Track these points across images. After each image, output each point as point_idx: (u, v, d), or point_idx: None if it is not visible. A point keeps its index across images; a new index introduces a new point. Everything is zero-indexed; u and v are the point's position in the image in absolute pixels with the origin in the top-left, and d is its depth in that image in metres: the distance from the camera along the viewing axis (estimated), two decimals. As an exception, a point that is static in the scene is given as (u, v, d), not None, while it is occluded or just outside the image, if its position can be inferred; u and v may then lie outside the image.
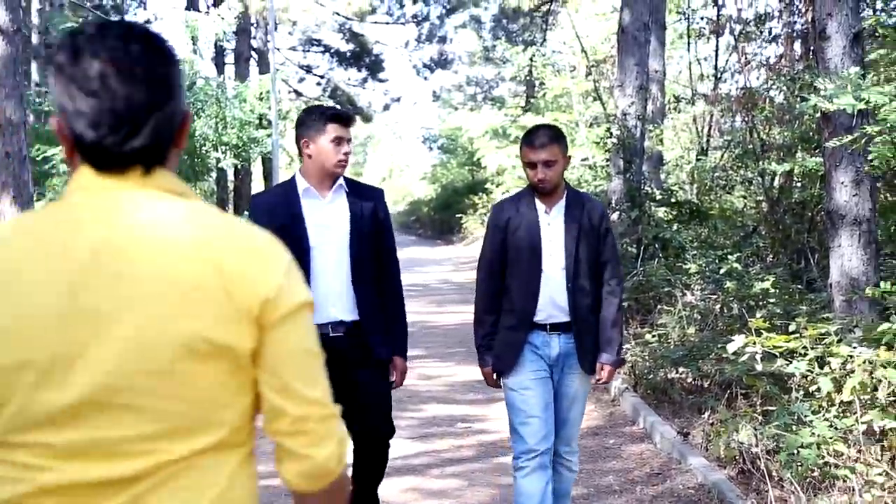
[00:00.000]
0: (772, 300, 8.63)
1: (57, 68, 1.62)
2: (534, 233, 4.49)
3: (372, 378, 4.48)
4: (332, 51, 40.21)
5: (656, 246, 12.16)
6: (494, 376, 4.66)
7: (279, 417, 1.67)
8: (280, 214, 4.31)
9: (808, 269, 10.58)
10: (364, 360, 4.42)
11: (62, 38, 1.64)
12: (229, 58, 32.86)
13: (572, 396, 4.60)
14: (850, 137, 6.26)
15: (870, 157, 6.15)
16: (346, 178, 4.50)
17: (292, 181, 4.48)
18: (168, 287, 1.56)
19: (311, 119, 4.39)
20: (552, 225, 4.52)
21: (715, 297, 9.84)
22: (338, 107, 4.66)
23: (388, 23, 40.23)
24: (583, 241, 4.49)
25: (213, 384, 1.61)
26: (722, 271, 9.94)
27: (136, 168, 1.64)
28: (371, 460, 4.61)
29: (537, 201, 4.54)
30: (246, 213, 4.83)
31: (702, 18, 19.22)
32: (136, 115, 1.61)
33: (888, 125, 5.82)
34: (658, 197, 12.88)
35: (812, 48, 11.63)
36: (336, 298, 4.35)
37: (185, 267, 1.58)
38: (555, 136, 4.49)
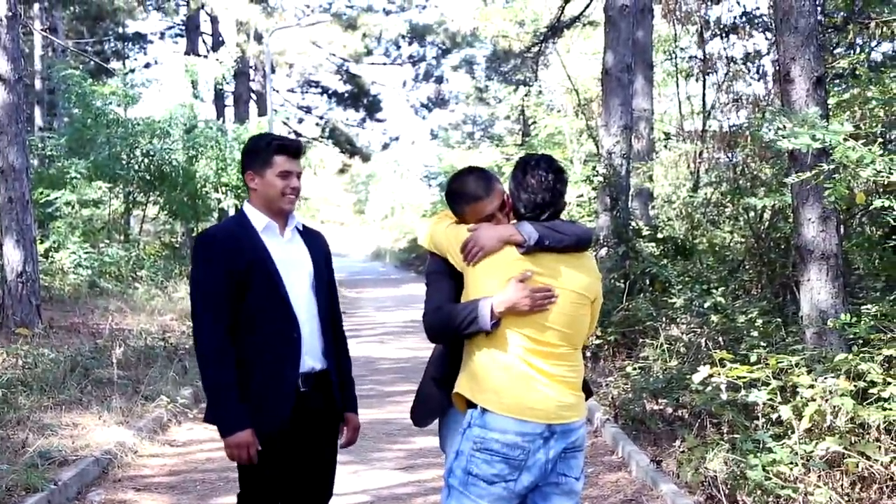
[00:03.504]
0: (753, 333, 8.88)
1: (515, 174, 3.74)
2: None
3: (333, 433, 4.20)
4: (331, 92, 40.77)
5: (645, 281, 12.44)
6: None
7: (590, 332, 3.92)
8: (245, 251, 3.93)
9: (793, 301, 10.81)
10: (329, 413, 4.14)
11: (520, 159, 3.86)
12: (229, 100, 33.31)
13: None
14: (808, 174, 6.54)
15: (826, 193, 6.42)
16: None
17: (244, 217, 4.07)
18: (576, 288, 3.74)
19: (256, 150, 4.03)
20: None
21: (699, 330, 10.10)
22: (285, 136, 4.24)
23: (384, 63, 40.81)
24: None
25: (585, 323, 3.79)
26: (707, 305, 10.21)
27: None
28: None
29: None
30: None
31: (690, 58, 19.58)
32: (546, 205, 3.68)
33: (840, 163, 6.10)
34: (645, 233, 13.16)
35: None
36: (309, 345, 4.02)
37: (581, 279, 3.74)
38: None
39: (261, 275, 3.92)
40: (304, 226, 4.22)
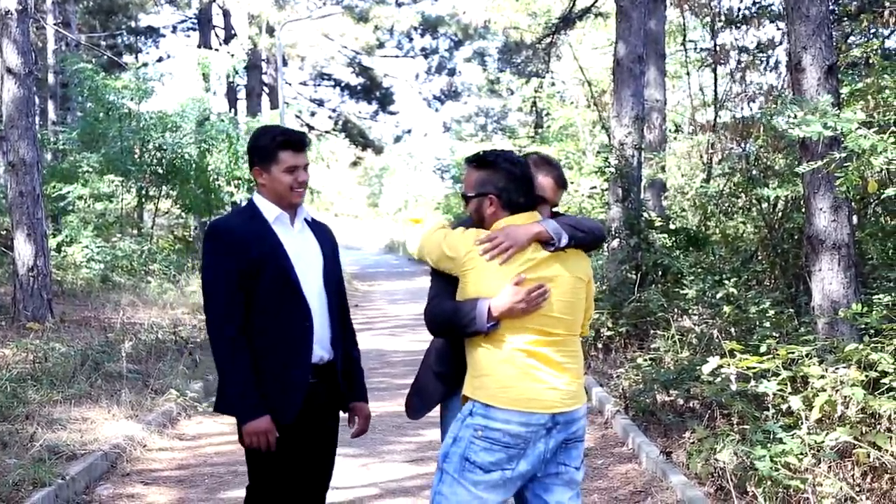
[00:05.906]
0: (766, 324, 8.82)
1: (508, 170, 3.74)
2: None
3: (335, 423, 4.25)
4: (343, 84, 40.81)
5: (657, 272, 12.38)
6: None
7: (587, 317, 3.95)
8: (256, 242, 3.93)
9: (806, 291, 10.74)
10: (334, 405, 4.22)
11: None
12: (241, 93, 33.33)
13: None
14: (819, 163, 6.48)
15: (837, 182, 6.36)
16: None
17: (254, 207, 4.06)
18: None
19: (260, 147, 4.02)
20: None
21: (711, 321, 10.05)
22: (289, 129, 4.17)
23: (397, 56, 40.80)
24: None
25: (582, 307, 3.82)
26: (719, 296, 10.16)
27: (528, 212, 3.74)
28: None
29: None
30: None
31: (701, 49, 19.48)
32: (528, 193, 3.74)
33: (852, 151, 6.04)
34: (657, 224, 13.09)
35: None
36: (320, 335, 4.03)
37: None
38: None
39: (273, 265, 3.93)
40: (312, 218, 4.23)
